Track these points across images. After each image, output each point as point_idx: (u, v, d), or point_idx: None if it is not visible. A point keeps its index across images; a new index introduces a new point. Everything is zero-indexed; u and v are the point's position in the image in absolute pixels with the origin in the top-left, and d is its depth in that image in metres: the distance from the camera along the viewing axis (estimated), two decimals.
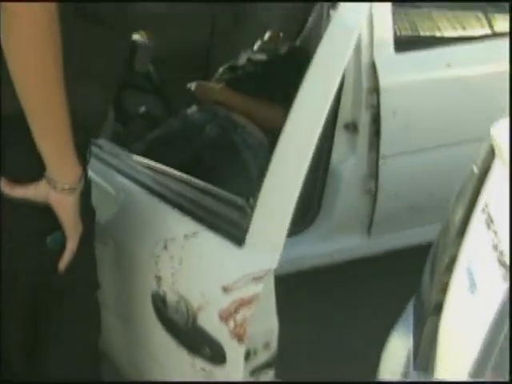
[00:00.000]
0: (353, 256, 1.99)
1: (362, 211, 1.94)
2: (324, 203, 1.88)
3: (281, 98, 1.90)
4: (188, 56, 2.43)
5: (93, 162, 1.12)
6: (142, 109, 2.06)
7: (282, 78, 1.95)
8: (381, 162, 1.84)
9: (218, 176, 1.65)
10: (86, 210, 1.00)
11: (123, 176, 1.34)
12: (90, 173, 1.08)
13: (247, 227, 1.05)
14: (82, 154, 0.98)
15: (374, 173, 1.87)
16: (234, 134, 1.86)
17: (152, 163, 1.32)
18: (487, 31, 2.00)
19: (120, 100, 2.00)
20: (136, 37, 1.55)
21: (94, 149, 1.26)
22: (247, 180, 1.79)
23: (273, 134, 1.83)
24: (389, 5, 1.76)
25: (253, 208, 1.05)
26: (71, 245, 0.96)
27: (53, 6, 0.81)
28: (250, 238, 1.04)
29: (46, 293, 1.00)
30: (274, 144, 1.80)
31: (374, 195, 1.89)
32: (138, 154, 1.72)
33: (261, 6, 2.51)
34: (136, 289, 1.25)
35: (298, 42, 2.33)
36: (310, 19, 2.29)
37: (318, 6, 2.20)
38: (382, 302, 1.94)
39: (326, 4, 2.01)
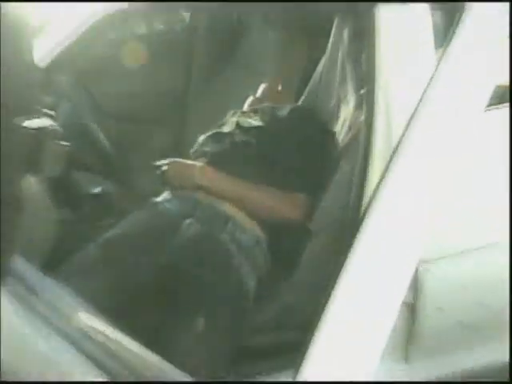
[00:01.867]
0: None
1: (397, 329, 1.68)
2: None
3: (283, 180, 1.77)
4: (158, 112, 2.36)
5: None
6: (97, 189, 1.85)
7: (284, 152, 1.81)
8: (421, 267, 1.69)
9: (200, 292, 1.56)
10: None
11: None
12: None
13: None
14: None
15: (412, 281, 1.65)
16: (221, 231, 1.68)
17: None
18: None
19: (66, 180, 1.79)
20: (38, 122, 1.22)
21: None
22: (241, 295, 1.64)
23: (273, 229, 1.75)
24: None
25: None
26: None
27: None
28: None
29: None
30: (274, 242, 1.75)
31: (412, 309, 1.75)
32: (88, 261, 1.61)
33: (250, 50, 2.41)
34: None
35: (302, 101, 2.17)
36: (319, 71, 2.12)
37: (329, 55, 2.04)
38: None
39: (340, 53, 1.92)
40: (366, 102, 1.55)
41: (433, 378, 1.83)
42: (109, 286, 1.52)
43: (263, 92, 2.11)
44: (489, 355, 1.82)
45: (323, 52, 2.08)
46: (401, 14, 1.57)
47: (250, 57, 2.42)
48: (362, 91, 1.66)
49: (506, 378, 1.59)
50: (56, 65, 1.62)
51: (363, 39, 1.62)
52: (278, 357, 1.65)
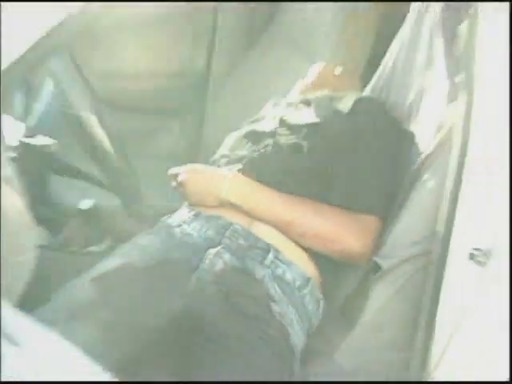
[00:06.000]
0: None
1: None
2: None
3: (347, 196, 1.76)
4: (171, 102, 2.39)
5: None
6: (87, 203, 1.86)
7: (347, 159, 1.80)
8: None
9: (227, 350, 1.53)
10: None
11: None
12: None
13: None
14: None
15: None
16: (258, 265, 1.64)
17: None
18: None
19: (42, 188, 1.81)
20: None
21: None
22: (284, 354, 1.60)
23: (329, 264, 1.74)
24: None
25: None
26: None
27: None
28: None
29: None
30: (330, 282, 1.78)
31: None
32: (77, 301, 1.57)
33: (294, 20, 2.40)
34: None
35: (369, 91, 2.16)
36: (393, 50, 2.10)
37: (409, 29, 2.03)
38: None
39: (426, 27, 1.93)
40: (467, 95, 1.53)
41: None
42: (106, 335, 1.48)
43: (317, 75, 2.11)
44: None
45: (399, 25, 2.07)
46: None
47: (295, 30, 2.41)
48: (458, 78, 1.63)
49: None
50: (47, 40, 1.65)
51: (461, 7, 1.64)
52: None
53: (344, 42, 2.24)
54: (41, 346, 1.22)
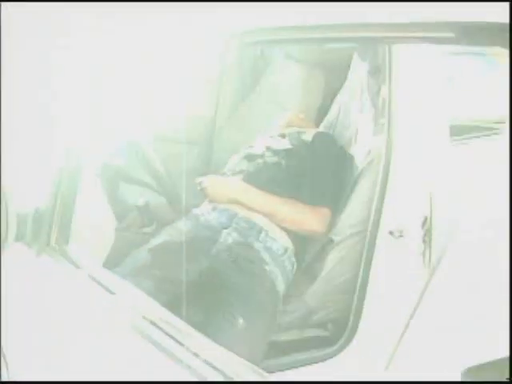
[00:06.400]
0: None
1: None
2: (363, 320, 1.63)
3: (309, 195, 1.75)
4: (191, 136, 2.34)
5: None
6: (141, 201, 1.82)
7: (309, 171, 1.80)
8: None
9: (236, 294, 1.54)
10: None
11: None
12: None
13: None
14: None
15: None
16: (255, 240, 1.66)
17: None
18: None
19: (115, 191, 1.81)
20: None
21: None
22: (273, 298, 1.62)
23: (299, 239, 1.74)
24: None
25: None
26: None
27: None
28: None
29: None
30: (300, 250, 1.72)
31: None
32: (139, 264, 1.60)
33: (273, 81, 2.37)
34: None
35: (322, 127, 2.14)
36: (339, 100, 2.09)
37: (348, 86, 2.02)
38: None
39: (359, 86, 1.89)
40: (388, 131, 1.55)
41: None
42: (158, 286, 1.51)
43: (288, 119, 2.11)
44: None
45: (341, 82, 2.03)
46: (416, 52, 1.57)
47: (273, 88, 2.38)
48: (381, 121, 1.63)
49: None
50: None
51: (381, 74, 1.61)
52: (300, 351, 1.64)
53: (304, 96, 2.22)
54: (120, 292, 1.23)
